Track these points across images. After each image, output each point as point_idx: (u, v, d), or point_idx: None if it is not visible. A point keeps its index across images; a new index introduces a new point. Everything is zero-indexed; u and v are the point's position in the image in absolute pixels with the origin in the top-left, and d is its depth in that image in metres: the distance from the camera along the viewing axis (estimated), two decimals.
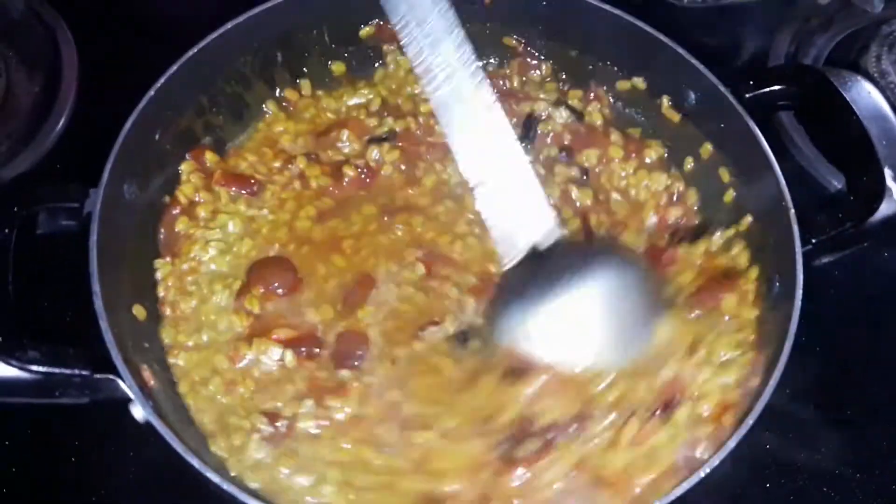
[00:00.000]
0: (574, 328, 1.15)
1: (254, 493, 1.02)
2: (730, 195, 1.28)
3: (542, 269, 1.15)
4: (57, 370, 1.03)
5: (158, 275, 1.21)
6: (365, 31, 1.38)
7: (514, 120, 1.34)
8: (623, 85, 1.38)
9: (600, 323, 1.16)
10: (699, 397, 1.13)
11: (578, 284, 1.15)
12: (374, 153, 1.32)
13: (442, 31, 1.09)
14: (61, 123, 1.42)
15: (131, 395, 1.02)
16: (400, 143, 1.33)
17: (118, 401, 1.04)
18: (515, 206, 1.16)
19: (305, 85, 1.38)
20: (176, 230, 1.24)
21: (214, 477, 0.99)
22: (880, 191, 1.18)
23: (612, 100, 1.39)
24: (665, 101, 1.34)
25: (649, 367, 1.14)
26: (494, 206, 1.16)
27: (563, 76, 1.41)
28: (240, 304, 1.19)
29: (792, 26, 1.59)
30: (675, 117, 1.34)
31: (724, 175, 1.29)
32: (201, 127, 1.30)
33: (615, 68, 1.38)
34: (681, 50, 1.29)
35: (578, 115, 1.37)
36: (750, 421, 1.05)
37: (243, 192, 1.27)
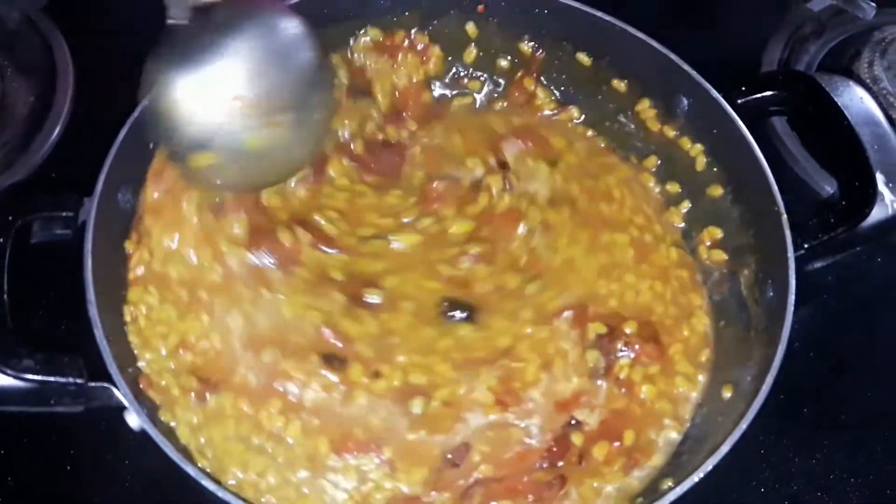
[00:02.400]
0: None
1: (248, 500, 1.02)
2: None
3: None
4: (51, 379, 1.03)
5: None
6: (359, 44, 1.39)
7: None
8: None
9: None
10: None
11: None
12: None
13: None
14: (56, 132, 1.42)
15: (126, 404, 1.03)
16: None
17: (113, 409, 1.04)
18: None
19: None
20: None
21: (210, 485, 0.99)
22: (872, 195, 1.18)
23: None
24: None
25: None
26: None
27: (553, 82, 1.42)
28: None
29: (784, 32, 1.60)
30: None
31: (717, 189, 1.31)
32: None
33: (609, 75, 1.39)
34: (674, 56, 1.30)
35: None
36: (744, 425, 1.05)
37: None
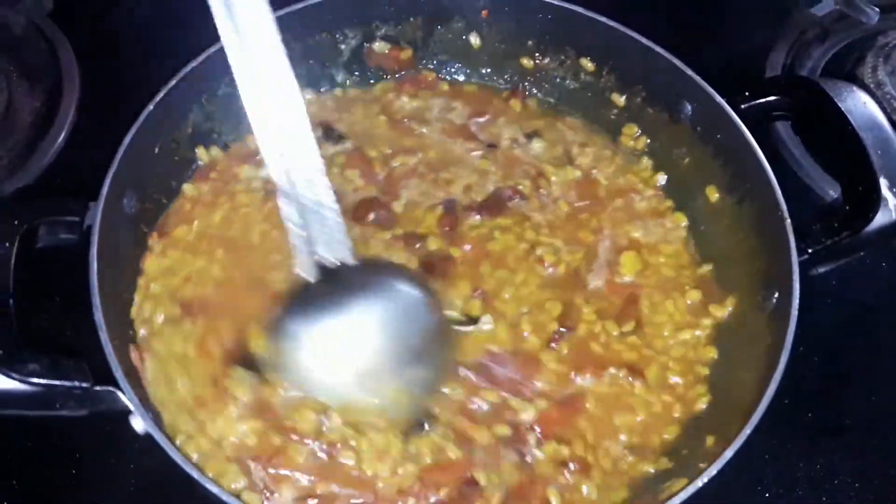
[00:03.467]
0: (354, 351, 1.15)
1: None
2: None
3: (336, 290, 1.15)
4: (57, 382, 1.03)
5: None
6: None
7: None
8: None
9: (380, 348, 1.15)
10: None
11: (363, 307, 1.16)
12: None
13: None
14: (62, 138, 1.43)
15: (131, 407, 1.03)
16: None
17: (118, 413, 1.04)
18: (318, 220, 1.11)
19: None
20: None
21: (214, 488, 0.99)
22: (876, 200, 1.18)
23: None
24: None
25: None
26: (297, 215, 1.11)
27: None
28: None
29: (788, 38, 1.60)
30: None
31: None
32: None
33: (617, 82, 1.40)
34: (678, 62, 1.30)
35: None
36: (748, 430, 1.05)
37: None
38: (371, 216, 1.27)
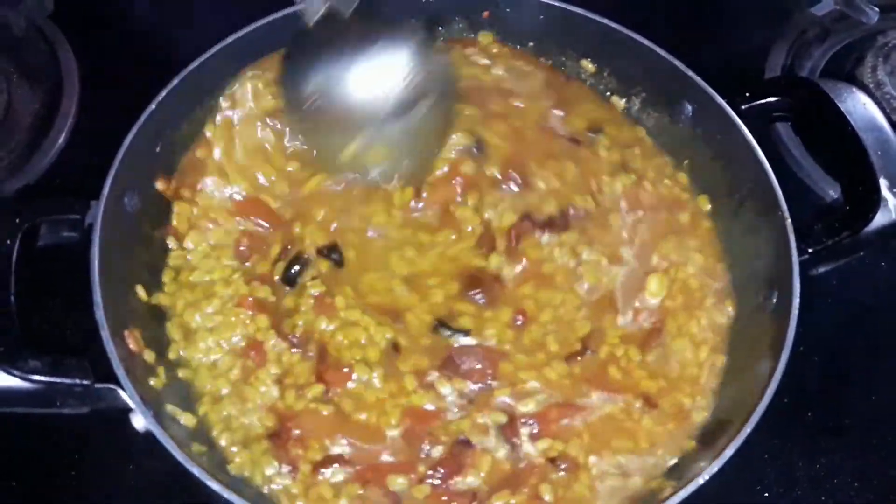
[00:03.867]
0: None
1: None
2: None
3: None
4: (58, 380, 1.04)
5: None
6: None
7: None
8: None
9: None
10: None
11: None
12: None
13: None
14: (62, 138, 1.43)
15: (132, 405, 1.03)
16: None
17: (119, 410, 1.05)
18: None
19: None
20: None
21: (215, 485, 0.99)
22: (875, 200, 1.19)
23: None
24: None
25: None
26: None
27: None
28: None
29: (788, 38, 1.60)
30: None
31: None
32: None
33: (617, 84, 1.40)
34: (678, 62, 1.31)
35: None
36: (747, 429, 1.05)
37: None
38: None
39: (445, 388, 1.15)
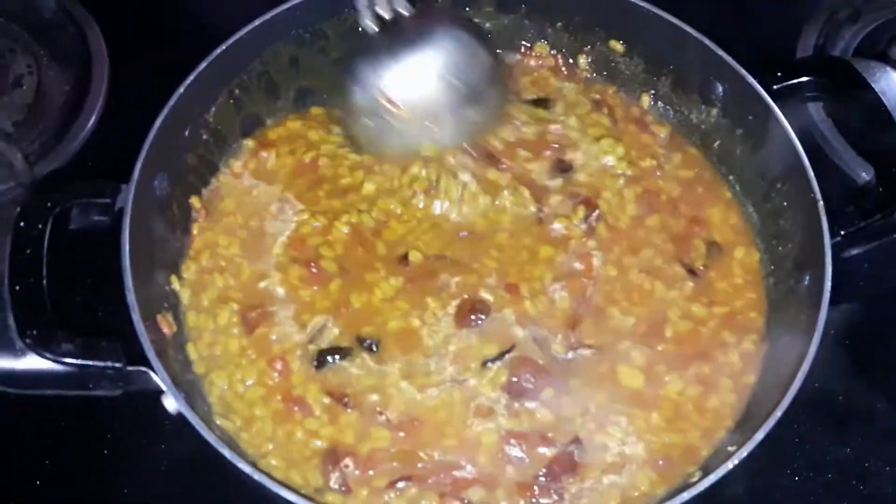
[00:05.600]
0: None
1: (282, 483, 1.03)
2: None
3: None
4: (90, 363, 1.04)
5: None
6: None
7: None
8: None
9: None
10: None
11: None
12: None
13: None
14: (92, 121, 1.44)
15: (163, 387, 1.04)
16: None
17: (150, 393, 1.05)
18: None
19: None
20: None
21: (246, 467, 0.99)
22: None
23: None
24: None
25: None
26: None
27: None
28: None
29: (820, 18, 1.58)
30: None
31: None
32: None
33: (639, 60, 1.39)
34: (708, 42, 1.29)
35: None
36: (778, 413, 1.04)
37: None
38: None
39: None
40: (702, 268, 1.25)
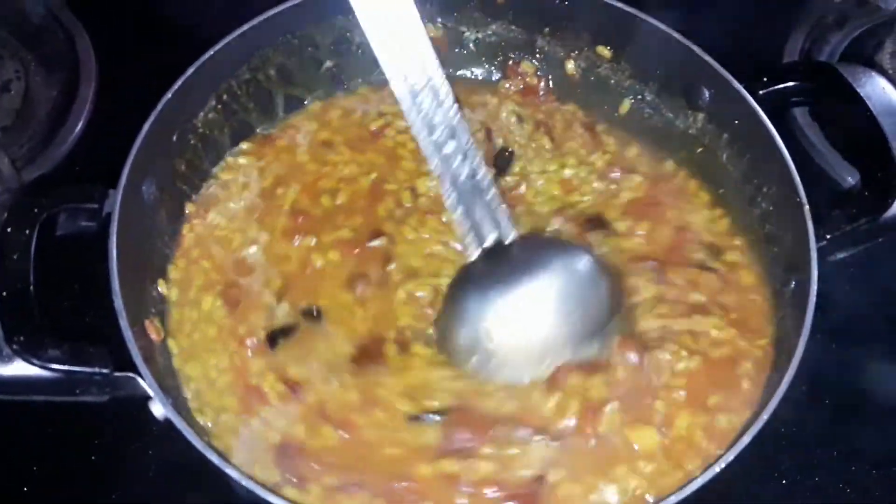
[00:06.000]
0: (532, 326, 1.14)
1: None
2: None
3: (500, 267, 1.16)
4: (77, 368, 1.04)
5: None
6: None
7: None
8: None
9: (557, 322, 1.14)
10: None
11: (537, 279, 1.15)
12: None
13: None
14: (80, 126, 1.44)
15: (151, 393, 1.03)
16: None
17: (138, 399, 1.05)
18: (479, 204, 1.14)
19: None
20: None
21: (234, 473, 0.99)
22: (894, 186, 1.18)
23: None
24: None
25: None
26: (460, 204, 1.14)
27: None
28: None
29: (806, 23, 1.59)
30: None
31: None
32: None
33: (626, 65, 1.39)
34: (694, 47, 1.29)
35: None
36: (765, 416, 1.04)
37: None
38: None
39: None
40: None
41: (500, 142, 1.36)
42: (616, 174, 1.33)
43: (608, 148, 1.36)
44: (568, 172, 1.33)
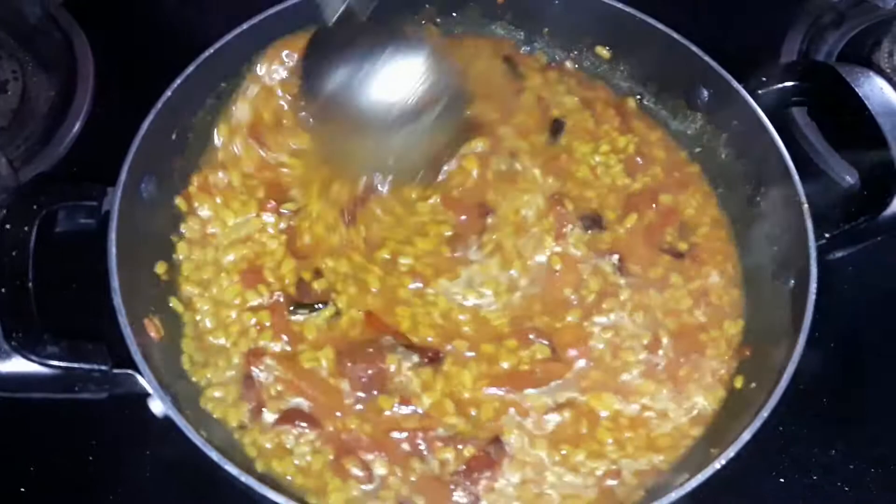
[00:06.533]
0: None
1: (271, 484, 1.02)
2: None
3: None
4: (76, 365, 1.04)
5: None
6: None
7: None
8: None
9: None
10: None
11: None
12: None
13: None
14: (77, 126, 1.43)
15: (150, 390, 1.04)
16: None
17: (137, 396, 1.05)
18: None
19: None
20: None
21: (233, 469, 0.99)
22: (893, 185, 1.18)
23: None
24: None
25: None
26: None
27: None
28: None
29: (804, 23, 1.59)
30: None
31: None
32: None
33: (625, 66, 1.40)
34: (694, 47, 1.30)
35: None
36: (764, 414, 1.05)
37: None
38: None
39: None
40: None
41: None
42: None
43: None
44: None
